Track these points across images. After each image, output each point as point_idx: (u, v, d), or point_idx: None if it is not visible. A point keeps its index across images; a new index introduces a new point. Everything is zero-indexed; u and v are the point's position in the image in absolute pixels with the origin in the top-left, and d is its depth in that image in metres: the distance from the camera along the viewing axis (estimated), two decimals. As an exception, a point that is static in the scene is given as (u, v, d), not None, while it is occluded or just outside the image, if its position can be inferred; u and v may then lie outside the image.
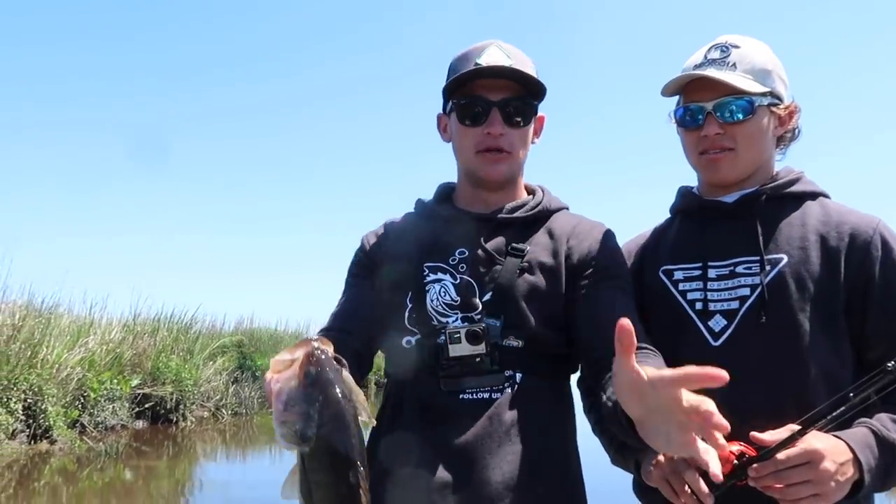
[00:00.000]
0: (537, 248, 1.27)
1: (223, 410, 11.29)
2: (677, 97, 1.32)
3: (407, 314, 1.25)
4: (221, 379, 11.58)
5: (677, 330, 1.27)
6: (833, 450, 1.04)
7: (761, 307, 1.20)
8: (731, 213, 1.29)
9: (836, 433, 1.07)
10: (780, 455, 1.04)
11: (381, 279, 1.31)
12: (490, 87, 1.24)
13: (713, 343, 1.23)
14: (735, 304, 1.22)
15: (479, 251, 1.27)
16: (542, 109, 1.32)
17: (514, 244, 1.26)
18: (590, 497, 1.26)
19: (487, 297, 1.23)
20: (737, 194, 1.29)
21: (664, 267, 1.33)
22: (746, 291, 1.22)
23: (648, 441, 0.90)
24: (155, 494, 6.43)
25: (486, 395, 1.20)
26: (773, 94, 1.25)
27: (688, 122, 1.28)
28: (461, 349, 1.18)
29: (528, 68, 1.27)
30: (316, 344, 0.82)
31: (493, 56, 1.25)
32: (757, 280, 1.21)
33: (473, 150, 1.26)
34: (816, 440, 1.04)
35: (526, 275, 1.24)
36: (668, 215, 1.44)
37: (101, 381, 8.73)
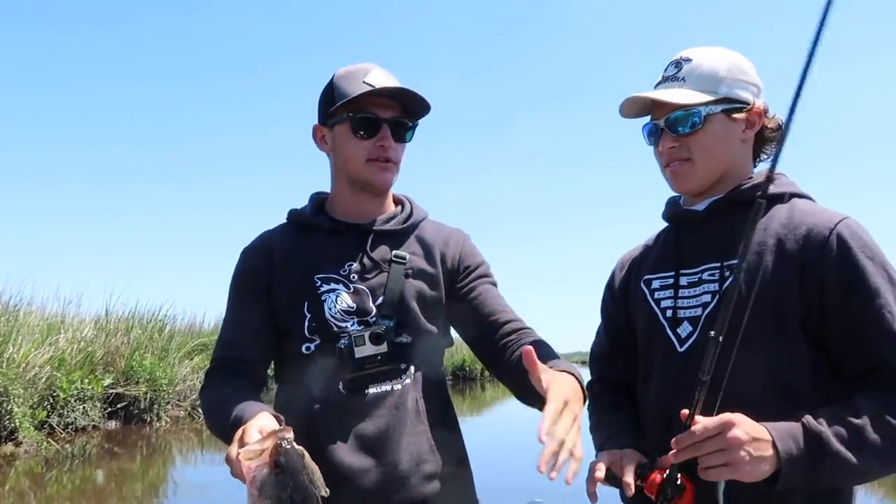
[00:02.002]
0: (415, 255, 1.44)
1: (199, 410, 10.99)
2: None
3: (307, 323, 1.37)
4: (198, 377, 11.32)
5: (653, 337, 1.32)
6: (748, 423, 1.06)
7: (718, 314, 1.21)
8: (701, 220, 1.32)
9: (761, 423, 1.08)
10: (698, 425, 1.06)
11: (273, 295, 1.40)
12: (381, 105, 1.39)
13: (679, 349, 1.27)
14: (699, 311, 1.26)
15: (367, 261, 1.41)
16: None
17: (396, 252, 1.42)
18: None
19: (379, 301, 1.38)
20: (707, 201, 1.32)
21: (645, 277, 1.38)
22: (708, 298, 1.25)
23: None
24: (128, 497, 6.19)
25: (389, 388, 1.36)
26: (728, 100, 1.27)
27: (651, 139, 1.35)
28: (366, 350, 1.32)
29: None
30: (282, 434, 0.97)
31: (380, 77, 1.38)
32: (717, 287, 1.24)
33: (364, 158, 1.39)
34: (731, 415, 1.06)
35: (411, 279, 1.41)
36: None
37: (72, 380, 8.46)
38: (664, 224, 1.44)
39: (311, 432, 1.29)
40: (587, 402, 1.46)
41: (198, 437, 9.57)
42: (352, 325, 1.36)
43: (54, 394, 8.21)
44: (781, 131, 1.18)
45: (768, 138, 1.33)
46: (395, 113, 1.40)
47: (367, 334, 1.32)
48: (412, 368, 1.38)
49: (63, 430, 8.27)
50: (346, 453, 1.31)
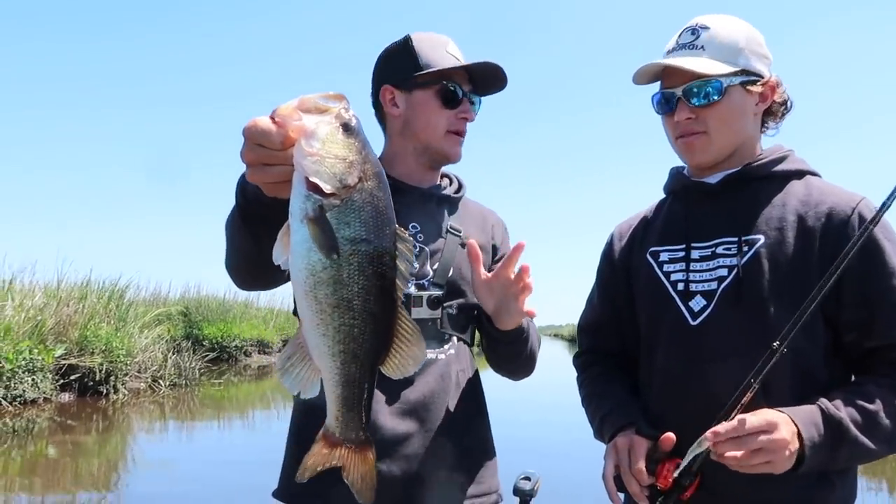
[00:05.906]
0: (468, 228, 1.45)
1: (160, 382, 10.55)
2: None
3: None
4: (160, 348, 10.83)
5: (661, 309, 1.29)
6: (785, 421, 1.07)
7: (736, 288, 1.20)
8: (714, 193, 1.29)
9: (782, 409, 1.09)
10: (746, 422, 1.05)
11: None
12: (461, 77, 1.41)
13: (692, 322, 1.24)
14: (714, 285, 1.23)
15: (432, 224, 1.40)
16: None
17: (451, 223, 1.42)
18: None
19: (435, 266, 1.37)
20: (720, 175, 1.29)
21: (651, 248, 1.35)
22: (724, 272, 1.23)
23: (501, 324, 1.31)
24: (83, 472, 5.76)
25: (434, 356, 1.34)
26: (746, 72, 1.24)
27: (663, 108, 1.30)
28: (422, 313, 1.32)
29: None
30: (347, 104, 0.80)
31: (458, 51, 1.41)
32: (734, 261, 1.22)
33: (445, 129, 1.40)
34: (770, 412, 1.08)
35: (465, 250, 1.39)
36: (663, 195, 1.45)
37: (19, 350, 7.90)
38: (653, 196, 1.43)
39: None
40: (577, 375, 1.49)
41: (159, 410, 9.18)
42: (409, 286, 1.33)
43: (-1, 364, 7.66)
44: None
45: (774, 112, 1.31)
46: (470, 88, 1.42)
47: (425, 297, 1.32)
48: (455, 339, 1.38)
49: (10, 403, 7.76)
50: (389, 417, 1.28)
